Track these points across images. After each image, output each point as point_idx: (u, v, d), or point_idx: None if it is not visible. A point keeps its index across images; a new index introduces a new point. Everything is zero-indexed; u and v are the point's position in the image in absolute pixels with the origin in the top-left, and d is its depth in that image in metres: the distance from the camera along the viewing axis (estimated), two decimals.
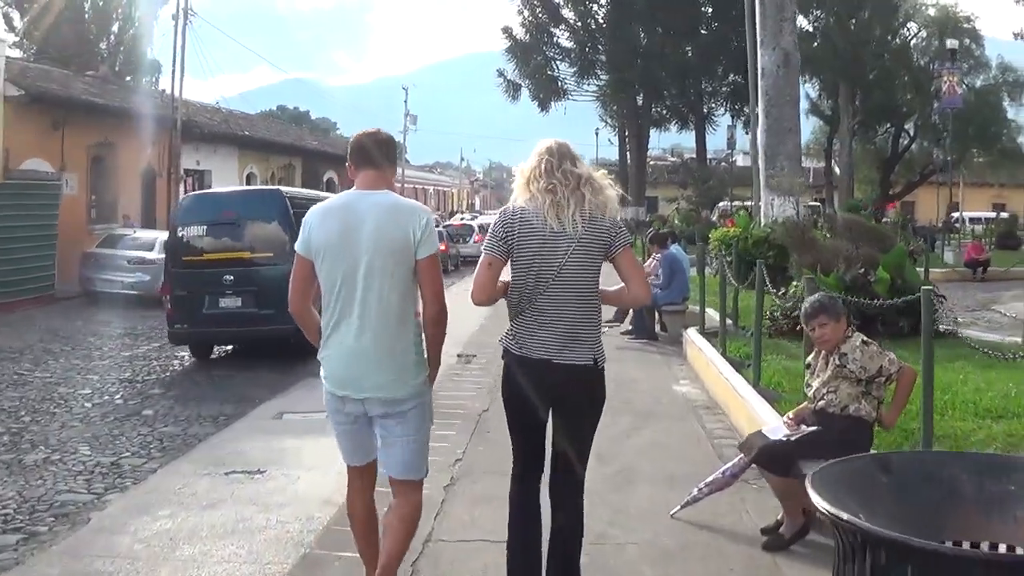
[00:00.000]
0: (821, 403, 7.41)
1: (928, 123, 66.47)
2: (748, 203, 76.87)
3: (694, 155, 68.37)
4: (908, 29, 66.16)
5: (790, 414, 7.83)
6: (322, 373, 5.88)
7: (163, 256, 20.90)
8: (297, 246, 5.87)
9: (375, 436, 5.89)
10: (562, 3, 62.35)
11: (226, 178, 47.74)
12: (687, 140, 74.38)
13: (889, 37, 63.97)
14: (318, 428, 10.07)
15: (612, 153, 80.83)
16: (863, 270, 15.88)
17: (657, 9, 58.33)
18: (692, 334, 16.40)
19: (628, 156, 67.09)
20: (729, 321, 16.42)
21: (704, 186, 58.66)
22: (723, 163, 70.75)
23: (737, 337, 15.81)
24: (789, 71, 23.36)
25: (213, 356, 18.64)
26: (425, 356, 5.89)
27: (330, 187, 60.40)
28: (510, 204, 5.88)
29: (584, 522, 6.02)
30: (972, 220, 67.44)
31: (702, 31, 61.87)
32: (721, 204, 64.84)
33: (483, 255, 5.80)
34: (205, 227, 17.88)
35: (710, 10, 62.05)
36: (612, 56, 60.21)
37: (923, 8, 65.18)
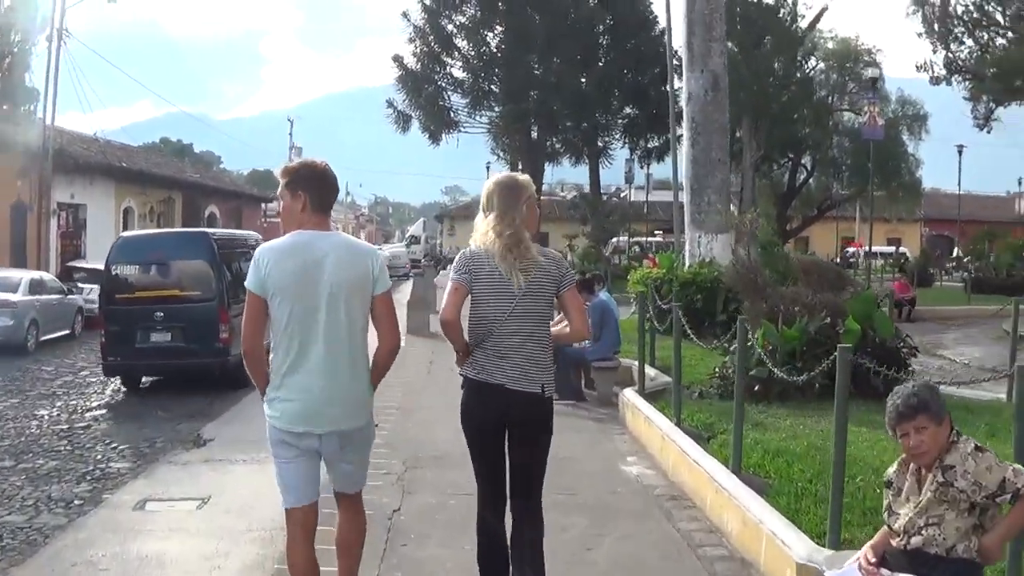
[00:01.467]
0: (917, 540, 5.16)
1: (827, 157, 65.29)
2: (652, 239, 76.53)
3: (586, 189, 66.43)
4: (809, 62, 64.96)
5: (867, 553, 5.47)
6: (272, 412, 6.03)
7: (30, 298, 24.82)
8: (249, 285, 5.98)
9: (319, 468, 6.19)
10: (455, 32, 60.17)
11: (102, 213, 46.16)
12: (575, 175, 72.97)
13: (793, 71, 62.64)
14: (187, 523, 9.54)
15: None
16: (827, 319, 13.67)
17: (553, 38, 56.74)
18: (631, 396, 14.07)
19: None
20: (657, 375, 14.69)
21: (606, 220, 56.70)
22: (614, 198, 69.15)
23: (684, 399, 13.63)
24: (718, 95, 21.34)
25: (93, 405, 17.68)
26: (371, 388, 6.30)
27: (211, 222, 58.78)
28: (469, 247, 6.51)
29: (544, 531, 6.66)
30: (867, 255, 66.42)
31: (599, 62, 59.93)
32: (614, 240, 63.24)
33: (451, 282, 6.42)
34: (137, 267, 19.16)
35: (607, 40, 60.15)
36: (507, 86, 58.17)
37: (823, 42, 64.02)
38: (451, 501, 9.85)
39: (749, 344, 13.18)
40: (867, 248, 56.78)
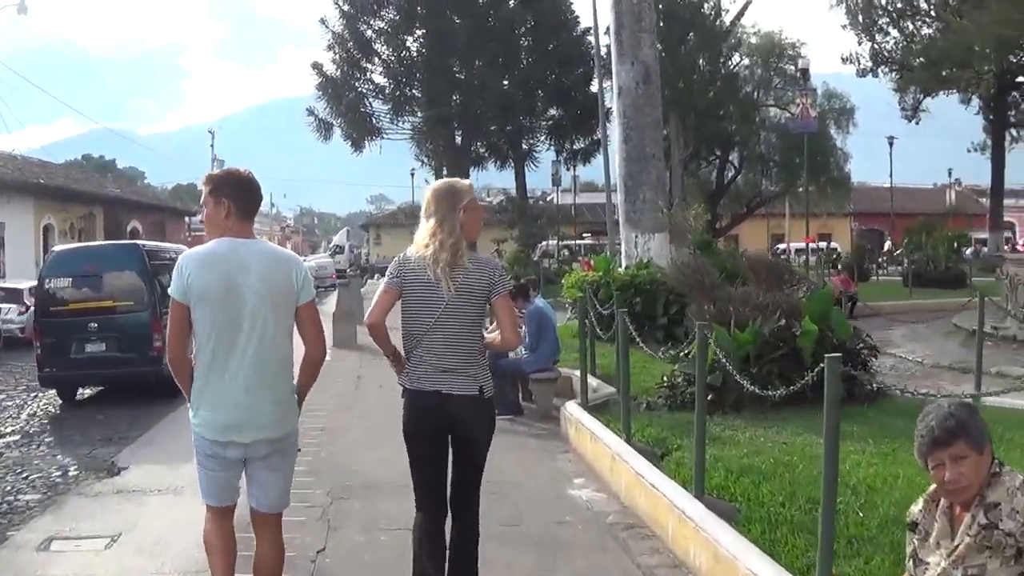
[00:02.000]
0: None
1: (754, 154, 64.65)
2: (580, 241, 75.73)
3: (512, 193, 65.49)
4: (734, 58, 64.39)
5: None
6: (196, 421, 6.02)
7: None
8: (173, 292, 5.98)
9: (242, 476, 6.17)
10: (374, 37, 58.96)
11: (21, 231, 44.99)
12: (501, 179, 72.12)
13: (719, 67, 62.01)
14: (93, 566, 8.66)
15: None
16: (782, 320, 12.76)
17: (474, 41, 55.96)
18: (574, 410, 12.98)
19: None
20: (600, 386, 13.66)
21: (535, 224, 55.82)
22: (540, 201, 68.33)
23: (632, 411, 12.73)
24: (650, 88, 20.45)
25: (7, 431, 16.64)
26: (296, 397, 6.28)
27: (134, 236, 57.58)
28: (404, 252, 6.56)
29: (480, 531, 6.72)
30: (798, 251, 67.34)
31: (521, 64, 59.14)
32: (542, 244, 62.32)
33: (382, 285, 6.51)
34: (70, 279, 19.24)
35: (528, 41, 59.42)
36: (429, 90, 57.06)
37: (747, 37, 63.44)
38: (382, 537, 8.94)
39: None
40: (814, 243, 56.30)
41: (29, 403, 19.22)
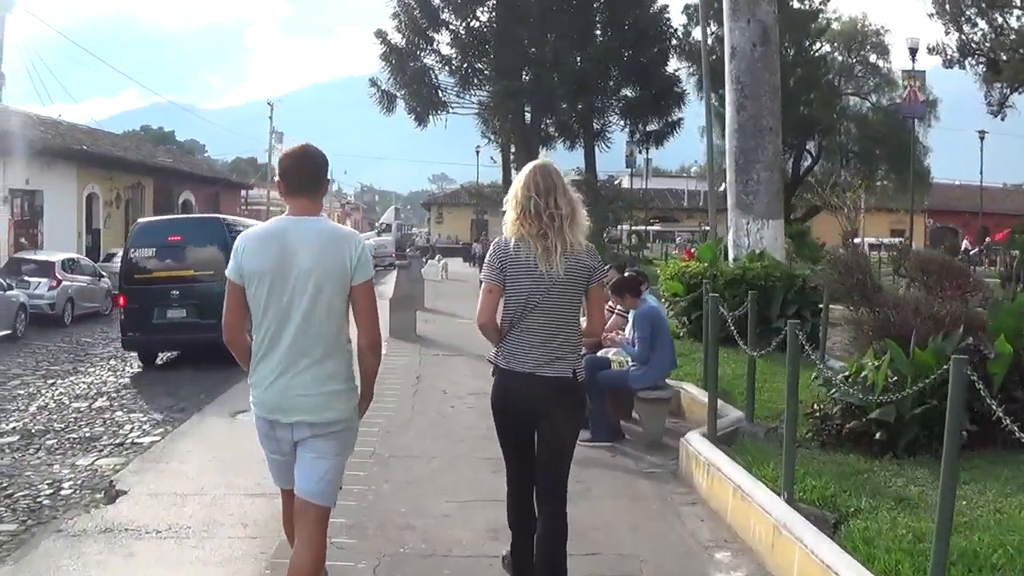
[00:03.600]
0: None
1: (834, 143, 61.76)
2: (650, 228, 72.91)
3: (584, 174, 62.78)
4: (816, 45, 61.53)
5: None
6: (251, 398, 5.98)
7: None
8: (228, 272, 5.92)
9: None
10: (442, 5, 56.08)
11: (62, 199, 43.09)
12: (569, 160, 69.89)
13: (802, 51, 59.19)
14: None
15: (493, 174, 76.00)
16: (969, 339, 9.76)
17: (548, 13, 53.28)
18: (701, 446, 9.82)
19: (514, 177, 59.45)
20: (722, 407, 10.72)
21: (610, 207, 52.89)
22: (607, 184, 65.57)
23: (755, 440, 10.01)
24: (768, 50, 17.63)
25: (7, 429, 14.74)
26: (356, 385, 6.04)
27: (186, 208, 56.28)
28: (502, 238, 6.41)
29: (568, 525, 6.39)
30: (872, 247, 64.48)
31: (596, 40, 56.21)
32: (608, 230, 59.51)
33: (484, 284, 6.40)
34: (154, 249, 21.07)
35: (605, 16, 56.53)
36: (498, 63, 54.28)
37: (829, 23, 60.56)
38: None
39: (863, 374, 9.55)
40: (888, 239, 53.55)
41: (43, 392, 17.62)
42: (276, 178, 6.18)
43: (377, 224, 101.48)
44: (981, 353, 9.57)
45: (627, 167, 67.59)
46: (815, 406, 10.17)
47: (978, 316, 10.46)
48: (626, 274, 13.17)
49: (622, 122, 59.82)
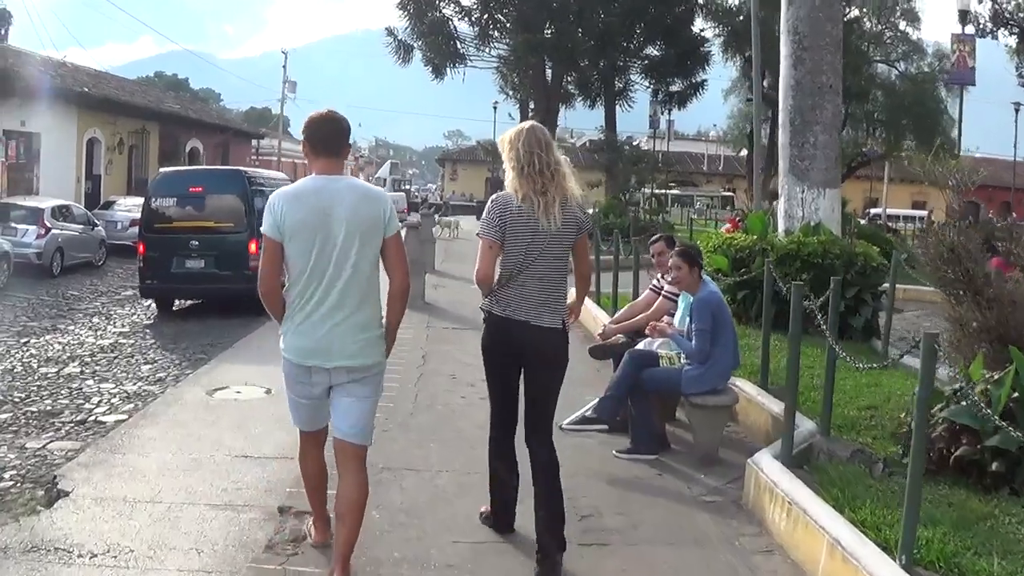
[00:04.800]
0: None
1: (861, 111, 60.02)
2: (670, 192, 71.14)
3: (602, 136, 61.01)
4: (845, 9, 59.77)
5: None
6: (285, 346, 6.32)
7: None
8: (265, 229, 6.24)
9: (328, 404, 6.42)
10: None
11: (61, 142, 41.40)
12: (588, 119, 68.21)
13: None
14: None
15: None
16: None
17: None
18: (775, 474, 7.72)
19: None
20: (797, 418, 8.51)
21: (634, 169, 51.01)
22: (627, 146, 63.76)
23: (838, 464, 8.18)
24: None
25: None
26: (383, 331, 6.45)
27: (193, 157, 54.61)
28: (501, 194, 6.78)
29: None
30: (891, 218, 65.44)
31: None
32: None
33: (482, 240, 6.69)
34: (175, 199, 21.29)
35: None
36: (521, 15, 52.53)
37: None
38: None
39: (978, 388, 7.71)
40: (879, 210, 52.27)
41: (12, 352, 16.18)
42: (301, 141, 6.56)
43: (373, 179, 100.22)
44: None
45: (650, 128, 65.95)
46: (909, 421, 8.21)
47: None
48: (687, 245, 11.14)
49: (645, 82, 58.88)
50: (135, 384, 13.82)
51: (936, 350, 5.80)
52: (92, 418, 11.67)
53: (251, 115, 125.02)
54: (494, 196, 6.83)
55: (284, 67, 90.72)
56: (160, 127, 51.91)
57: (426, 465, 9.07)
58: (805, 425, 8.84)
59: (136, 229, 25.53)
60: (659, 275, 11.19)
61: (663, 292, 10.83)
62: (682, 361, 9.46)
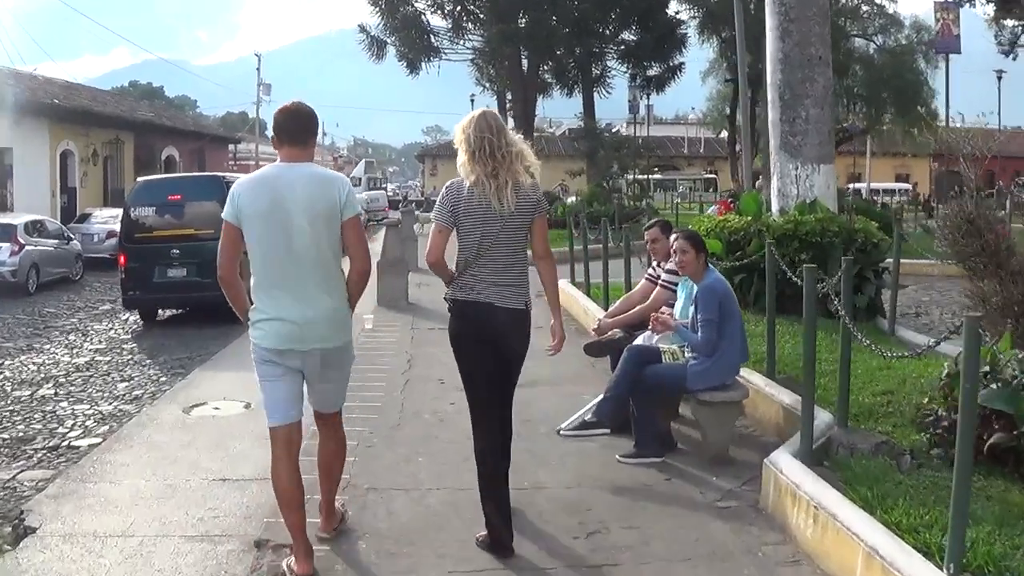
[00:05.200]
0: None
1: (840, 86, 59.64)
2: (653, 177, 70.69)
3: (580, 124, 60.70)
4: None
5: None
6: (256, 333, 6.42)
7: None
8: (225, 215, 6.41)
9: (302, 387, 6.58)
10: None
11: (33, 157, 41.17)
12: (566, 108, 67.89)
13: None
14: None
15: None
16: None
17: None
18: (796, 475, 7.07)
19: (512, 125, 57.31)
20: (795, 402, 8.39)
21: (616, 155, 50.35)
22: (607, 133, 63.24)
23: (861, 458, 7.55)
24: None
25: None
26: (349, 311, 6.71)
27: (169, 165, 54.22)
28: (455, 180, 6.90)
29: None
30: (873, 191, 66.31)
31: None
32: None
33: (434, 224, 6.86)
34: (154, 208, 21.17)
35: None
36: (494, 5, 52.04)
37: None
38: None
39: (1008, 369, 7.12)
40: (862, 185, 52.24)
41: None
42: (270, 133, 6.67)
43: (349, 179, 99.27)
44: None
45: (630, 113, 65.58)
46: (934, 408, 7.64)
47: None
48: (690, 228, 10.63)
49: (622, 67, 58.73)
50: (111, 404, 13.31)
51: (981, 335, 5.20)
52: (65, 443, 11.14)
53: (228, 120, 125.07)
54: (448, 183, 6.98)
55: (258, 70, 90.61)
56: (135, 136, 51.58)
57: (415, 483, 8.40)
58: (821, 417, 8.18)
59: (114, 241, 25.65)
60: (655, 263, 10.68)
61: (660, 281, 10.23)
62: (687, 355, 8.85)
